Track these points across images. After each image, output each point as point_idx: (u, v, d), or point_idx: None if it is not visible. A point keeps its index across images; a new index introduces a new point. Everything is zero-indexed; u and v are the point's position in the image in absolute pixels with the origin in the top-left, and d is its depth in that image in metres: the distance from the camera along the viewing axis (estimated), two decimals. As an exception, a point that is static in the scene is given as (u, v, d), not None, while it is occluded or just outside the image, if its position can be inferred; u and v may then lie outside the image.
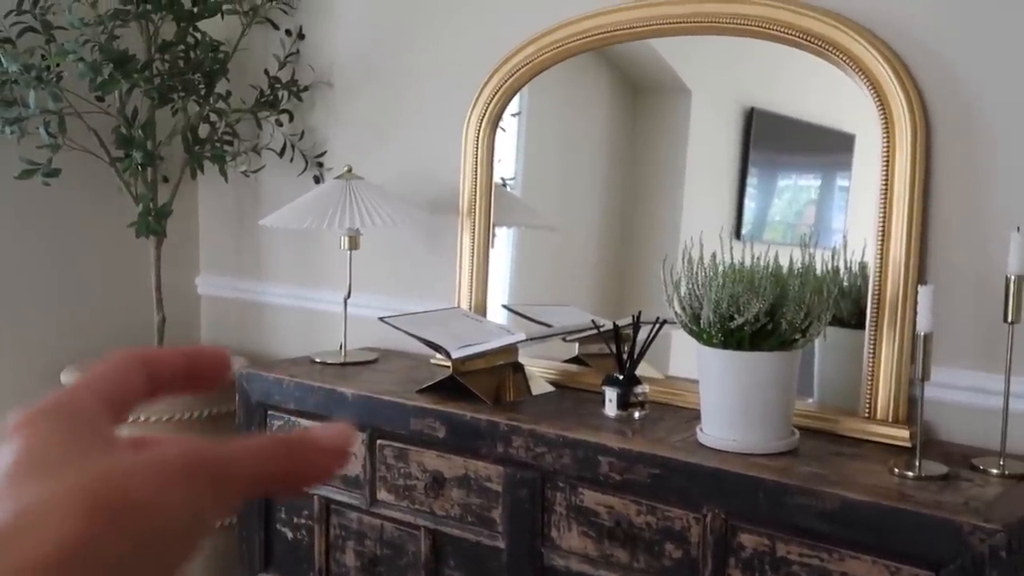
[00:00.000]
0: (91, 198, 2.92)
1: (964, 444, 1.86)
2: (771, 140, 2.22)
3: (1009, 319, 1.71)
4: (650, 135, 2.42)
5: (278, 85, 2.83)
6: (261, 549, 2.43)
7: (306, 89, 2.84)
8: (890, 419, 1.88)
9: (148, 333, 2.84)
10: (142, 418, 2.61)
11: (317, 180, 2.82)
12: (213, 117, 2.82)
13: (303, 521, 2.35)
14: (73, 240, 2.95)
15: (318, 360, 2.51)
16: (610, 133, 2.51)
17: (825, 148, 2.15)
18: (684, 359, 2.19)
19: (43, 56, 2.61)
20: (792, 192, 2.24)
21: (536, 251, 2.66)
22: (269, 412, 2.39)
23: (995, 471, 1.70)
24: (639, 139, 2.43)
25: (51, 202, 2.83)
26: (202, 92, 2.76)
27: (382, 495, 2.19)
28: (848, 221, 2.08)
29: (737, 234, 2.16)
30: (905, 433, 1.84)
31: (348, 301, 2.54)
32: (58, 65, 2.61)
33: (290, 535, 2.38)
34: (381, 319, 2.27)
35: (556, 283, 2.59)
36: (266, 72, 2.84)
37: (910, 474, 1.67)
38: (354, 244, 2.52)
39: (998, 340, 1.76)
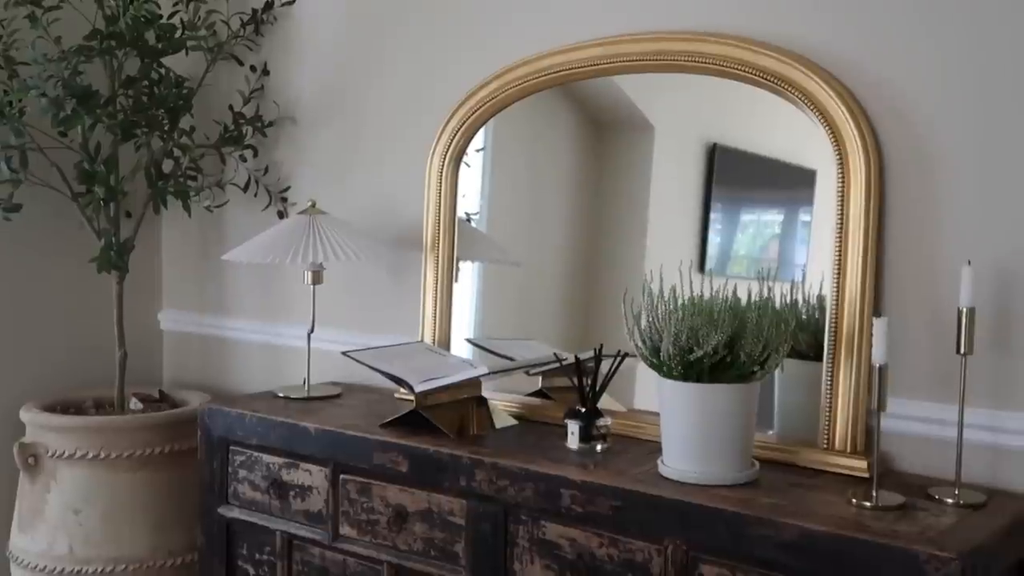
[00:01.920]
0: (53, 233, 2.90)
1: (920, 474, 1.89)
2: (734, 176, 2.25)
3: (962, 351, 1.74)
4: (614, 171, 2.44)
5: (242, 121, 2.84)
6: (222, 586, 2.41)
7: (270, 125, 2.85)
8: (848, 450, 1.90)
9: (110, 369, 2.82)
10: (102, 454, 2.59)
11: (281, 215, 2.82)
12: (177, 152, 2.82)
13: (265, 557, 2.33)
14: (34, 275, 2.93)
15: (281, 395, 2.50)
16: (574, 169, 2.54)
17: (787, 183, 2.18)
18: (647, 392, 2.21)
19: (5, 91, 2.61)
20: (756, 227, 2.27)
21: (500, 285, 2.68)
22: (231, 447, 2.38)
23: (950, 500, 1.72)
24: (603, 175, 2.46)
25: (12, 237, 2.81)
26: (166, 128, 2.77)
27: (345, 530, 2.18)
28: (810, 255, 2.11)
29: (701, 268, 2.18)
30: (863, 464, 1.87)
31: (311, 336, 2.54)
32: (20, 100, 2.60)
33: (252, 571, 2.36)
34: (344, 353, 2.27)
35: (520, 317, 2.60)
36: (230, 108, 2.85)
37: (868, 504, 1.69)
38: (318, 279, 2.52)
39: (952, 371, 1.79)
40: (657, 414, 1.90)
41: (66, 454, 2.60)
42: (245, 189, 2.87)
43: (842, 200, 1.93)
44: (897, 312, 1.90)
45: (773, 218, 2.25)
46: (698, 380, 1.79)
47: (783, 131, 2.12)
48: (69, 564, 2.58)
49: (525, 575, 1.91)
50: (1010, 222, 1.82)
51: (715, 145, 2.24)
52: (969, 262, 1.75)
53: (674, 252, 2.17)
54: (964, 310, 1.74)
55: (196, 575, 2.50)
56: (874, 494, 1.70)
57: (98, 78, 2.70)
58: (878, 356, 1.72)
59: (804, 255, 2.12)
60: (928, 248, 1.90)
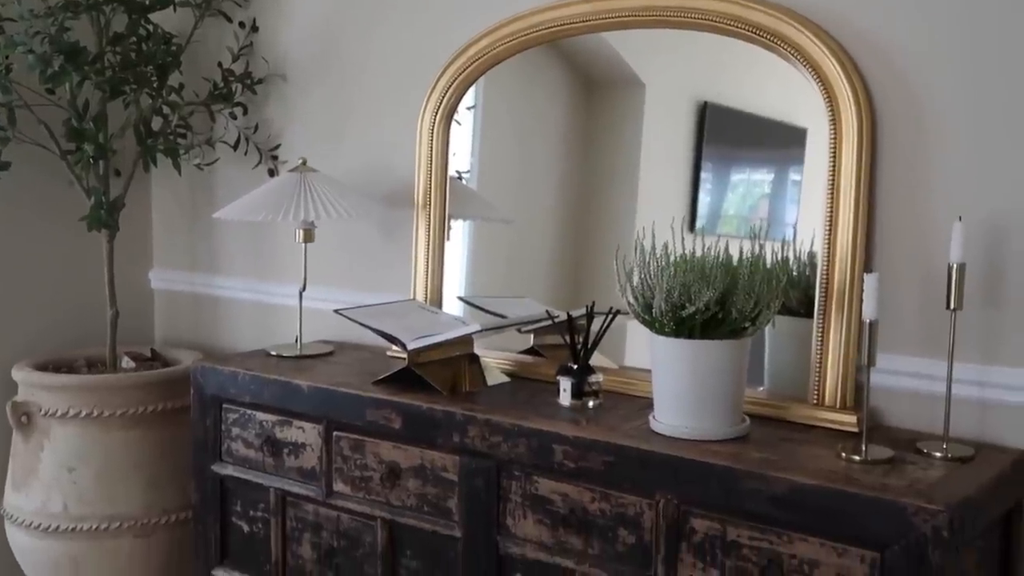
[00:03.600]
0: (42, 192, 2.89)
1: (909, 428, 1.91)
2: (724, 134, 2.24)
3: (951, 306, 1.75)
4: (605, 128, 2.44)
5: (232, 78, 2.82)
6: (217, 542, 2.42)
7: (260, 82, 2.83)
8: (838, 405, 1.92)
9: (101, 328, 2.82)
10: (95, 412, 2.59)
11: (272, 173, 2.81)
12: (166, 110, 2.80)
13: (259, 514, 2.35)
14: (24, 234, 2.91)
15: (274, 353, 2.51)
16: (565, 126, 2.53)
17: (778, 142, 2.18)
18: (638, 350, 2.22)
19: (-8, 48, 2.58)
20: (746, 186, 2.27)
21: (492, 243, 2.68)
22: (224, 405, 2.39)
23: (939, 454, 1.74)
24: (594, 132, 2.45)
25: (1, 195, 2.80)
26: (154, 85, 2.75)
27: (338, 486, 2.19)
28: (800, 215, 2.11)
29: (691, 227, 2.19)
30: (852, 419, 1.88)
31: (303, 294, 2.54)
32: (7, 57, 2.58)
33: (246, 528, 2.38)
34: (336, 311, 2.27)
35: (512, 275, 2.60)
36: (219, 65, 2.83)
37: (857, 458, 1.70)
38: (309, 237, 2.51)
39: (941, 327, 1.80)
40: (648, 371, 1.92)
41: (59, 413, 2.60)
42: (235, 147, 2.86)
43: (834, 155, 1.93)
44: (888, 268, 1.90)
45: (763, 177, 2.25)
46: (690, 336, 1.80)
47: (775, 89, 2.12)
48: (64, 522, 2.60)
49: (518, 530, 1.93)
50: (1001, 178, 1.82)
51: (706, 103, 2.24)
52: (960, 218, 1.75)
53: (665, 211, 2.18)
54: (954, 266, 1.74)
55: (191, 532, 2.52)
56: (863, 448, 1.71)
57: (85, 34, 2.67)
58: (868, 312, 1.73)
59: (794, 214, 2.13)
60: (919, 204, 1.90)
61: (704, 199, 2.23)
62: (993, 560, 1.74)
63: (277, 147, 2.84)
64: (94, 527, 2.60)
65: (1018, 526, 1.79)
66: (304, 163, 2.52)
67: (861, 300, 1.79)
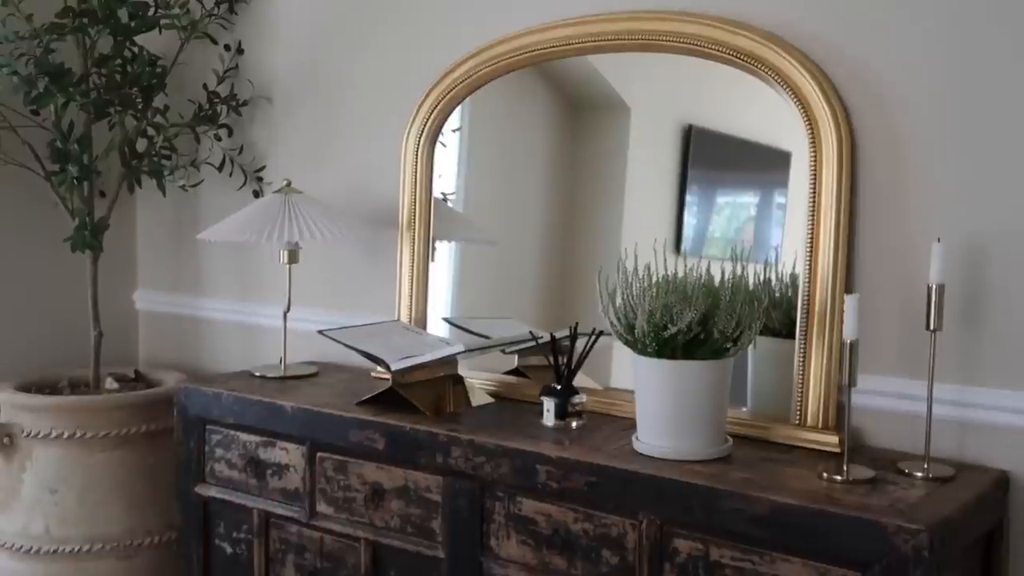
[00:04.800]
0: (26, 212, 2.89)
1: (890, 448, 1.92)
2: (709, 157, 2.26)
3: (931, 327, 1.77)
4: (590, 151, 2.45)
5: (217, 100, 2.83)
6: (200, 564, 2.41)
7: (245, 104, 2.84)
8: (820, 425, 1.93)
9: (84, 349, 2.81)
10: (78, 434, 2.58)
11: (256, 195, 2.82)
12: (151, 131, 2.81)
13: (242, 535, 2.34)
14: (7, 255, 2.91)
15: (257, 374, 2.50)
16: (550, 149, 2.54)
17: (763, 166, 2.19)
18: (623, 371, 2.23)
19: (-24, 70, 2.58)
20: (731, 209, 2.28)
21: (477, 265, 2.68)
22: (208, 426, 2.38)
23: (919, 474, 1.75)
24: (579, 155, 2.47)
25: (-15, 217, 2.80)
26: (139, 106, 2.75)
27: (322, 507, 2.19)
28: (784, 237, 2.12)
29: (677, 249, 2.20)
30: (834, 439, 1.89)
31: (288, 315, 2.54)
32: (-8, 78, 2.58)
33: (229, 550, 2.37)
34: (321, 332, 2.28)
35: (497, 296, 2.61)
36: (204, 87, 2.84)
37: (838, 478, 1.71)
38: (293, 258, 2.52)
39: (922, 347, 1.82)
40: (632, 392, 1.92)
41: (41, 434, 2.59)
42: (220, 168, 2.86)
43: (814, 178, 1.95)
44: (868, 289, 1.92)
45: (749, 200, 2.26)
46: (672, 357, 1.81)
47: (759, 113, 2.13)
48: (46, 544, 2.58)
49: (502, 550, 1.93)
50: (980, 200, 1.84)
51: (691, 127, 2.25)
52: (939, 239, 1.77)
53: (650, 233, 2.18)
54: (934, 287, 1.76)
55: (174, 554, 2.51)
56: (845, 468, 1.72)
57: (71, 56, 2.68)
58: (849, 332, 1.74)
59: (779, 237, 2.14)
60: (899, 226, 1.92)
61: (690, 221, 2.24)
62: (974, 579, 1.75)
63: (262, 168, 2.84)
64: (76, 549, 2.58)
65: (999, 545, 1.80)
66: (289, 185, 2.53)
67: (842, 321, 1.81)
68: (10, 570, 2.64)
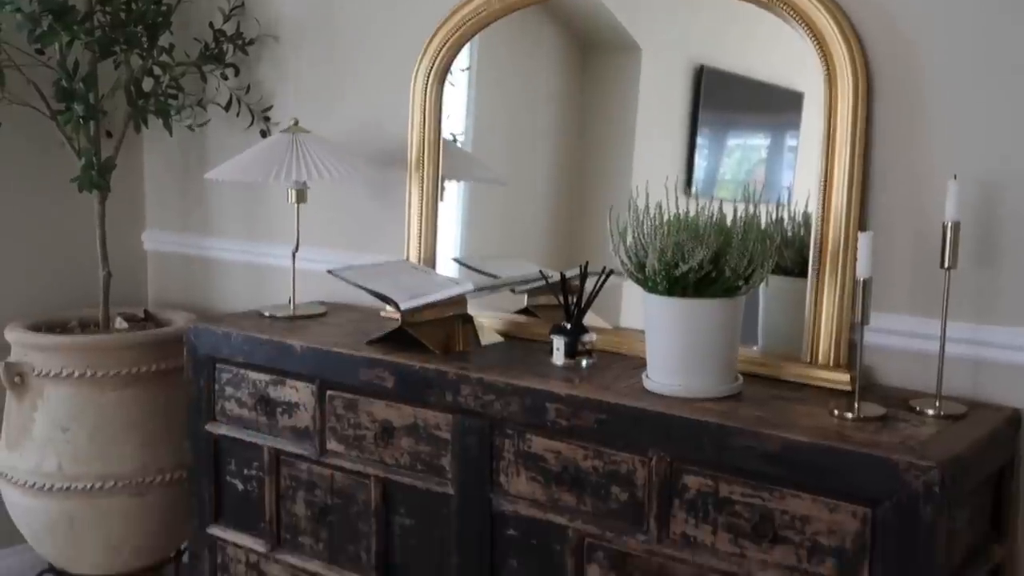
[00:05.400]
0: (32, 153, 2.87)
1: (902, 387, 1.91)
2: (721, 98, 2.23)
3: (946, 265, 1.75)
4: (600, 91, 2.42)
5: (223, 38, 2.79)
6: (212, 501, 2.43)
7: (252, 43, 2.81)
8: (831, 364, 1.92)
9: (93, 289, 2.81)
10: (88, 373, 2.59)
11: (264, 134, 2.79)
12: (157, 71, 2.78)
13: (253, 473, 2.35)
14: (15, 195, 2.90)
15: (267, 314, 2.50)
16: (560, 88, 2.51)
17: (775, 107, 2.16)
18: (634, 310, 2.22)
19: (-21, 7, 2.55)
20: (742, 151, 2.26)
21: (486, 205, 2.67)
22: (218, 365, 2.39)
23: (931, 412, 1.74)
24: (590, 95, 2.44)
25: (-9, 156, 2.79)
26: (145, 45, 2.72)
27: (332, 445, 2.19)
28: (796, 180, 2.10)
29: (687, 191, 2.18)
30: (845, 377, 1.89)
31: (296, 255, 2.53)
32: (-5, 16, 2.56)
33: (240, 487, 2.38)
34: (329, 272, 2.27)
35: (506, 236, 2.60)
36: (211, 25, 2.80)
37: (849, 416, 1.71)
38: (301, 198, 2.50)
39: (936, 285, 1.80)
40: (642, 331, 1.91)
41: (52, 373, 2.60)
42: (227, 108, 2.84)
43: (829, 115, 1.92)
44: (882, 227, 1.90)
45: (760, 143, 2.24)
46: (683, 295, 1.80)
47: (773, 53, 2.10)
48: (58, 481, 2.60)
49: (511, 487, 1.94)
50: (997, 136, 1.81)
51: (703, 67, 2.22)
52: (955, 176, 1.75)
53: (661, 174, 2.16)
54: (949, 224, 1.74)
55: (186, 491, 2.52)
56: (856, 406, 1.72)
57: (75, -7, 2.65)
58: (862, 270, 1.72)
59: (790, 179, 2.11)
60: (915, 163, 1.89)
61: (700, 163, 2.22)
62: (985, 516, 1.75)
63: (269, 108, 2.82)
64: (89, 486, 2.60)
65: (1010, 482, 1.80)
66: (296, 124, 2.50)
67: (855, 259, 1.79)
68: (24, 507, 2.67)
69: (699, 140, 2.23)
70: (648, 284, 1.83)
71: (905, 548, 1.52)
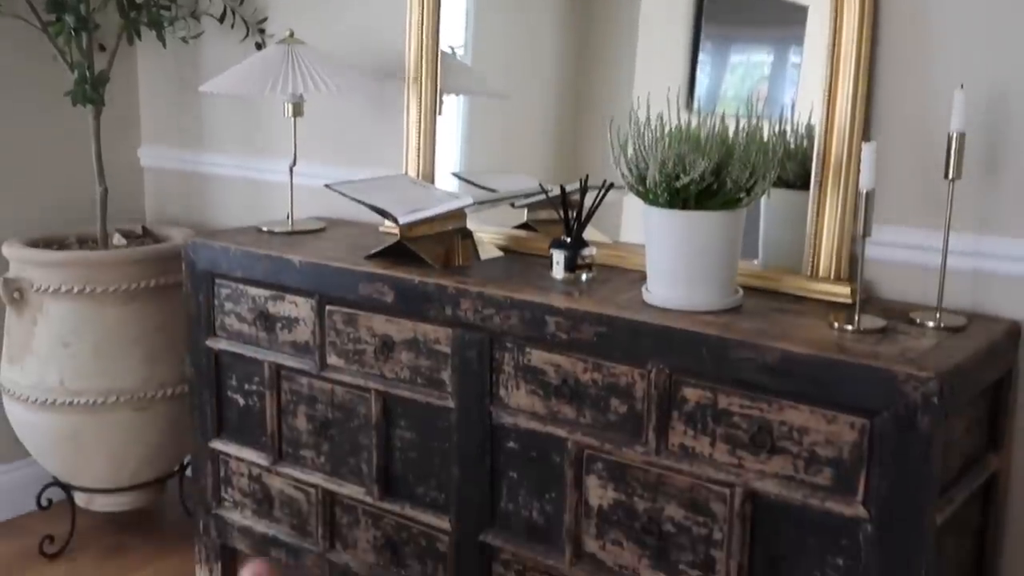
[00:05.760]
0: (25, 67, 2.83)
1: (903, 300, 1.91)
2: (724, 11, 2.18)
3: (950, 176, 1.73)
4: (602, 4, 2.37)
5: (216, -54, 2.73)
6: (214, 415, 2.44)
7: (245, -49, 2.75)
8: (832, 277, 1.91)
9: (91, 206, 2.79)
10: (88, 289, 2.59)
11: (259, 47, 2.75)
12: (148, -20, 2.72)
13: (254, 388, 2.36)
14: (7, 110, 2.86)
15: (265, 229, 2.49)
16: (561, 1, 2.46)
17: (778, 22, 2.12)
18: (634, 225, 2.20)
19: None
20: (745, 68, 2.21)
21: (486, 119, 2.63)
22: (217, 281, 2.38)
23: (931, 324, 1.74)
24: (591, 8, 2.39)
25: (-17, 70, 2.74)
26: (136, -47, 2.66)
27: (332, 360, 2.20)
28: (798, 96, 2.06)
29: (689, 107, 2.14)
30: (846, 290, 1.88)
31: (294, 170, 2.51)
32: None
33: (242, 401, 2.40)
34: (327, 186, 2.25)
35: (506, 151, 2.57)
36: (203, -67, 2.74)
37: (849, 328, 1.70)
38: (298, 111, 2.47)
39: (939, 197, 1.79)
40: (643, 245, 1.90)
41: (51, 289, 2.59)
42: (221, 20, 2.78)
43: (835, 23, 1.88)
44: (886, 138, 1.88)
45: (763, 59, 2.20)
46: (684, 207, 1.79)
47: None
48: (61, 396, 2.62)
49: (511, 400, 1.94)
50: (1004, 46, 1.78)
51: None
52: (962, 86, 1.72)
53: (662, 88, 2.13)
54: (954, 135, 1.72)
55: (188, 406, 2.54)
56: (856, 318, 1.71)
57: (63, -101, 2.58)
58: (865, 182, 1.70)
59: (793, 95, 2.08)
60: (920, 72, 1.86)
61: (702, 80, 2.18)
62: (982, 427, 1.76)
63: (264, 20, 2.77)
64: (91, 401, 2.61)
65: (1008, 394, 1.80)
66: (291, 35, 2.46)
67: (858, 171, 1.77)
68: (27, 421, 2.69)
69: (701, 56, 2.19)
70: (649, 197, 1.82)
71: (902, 458, 1.53)
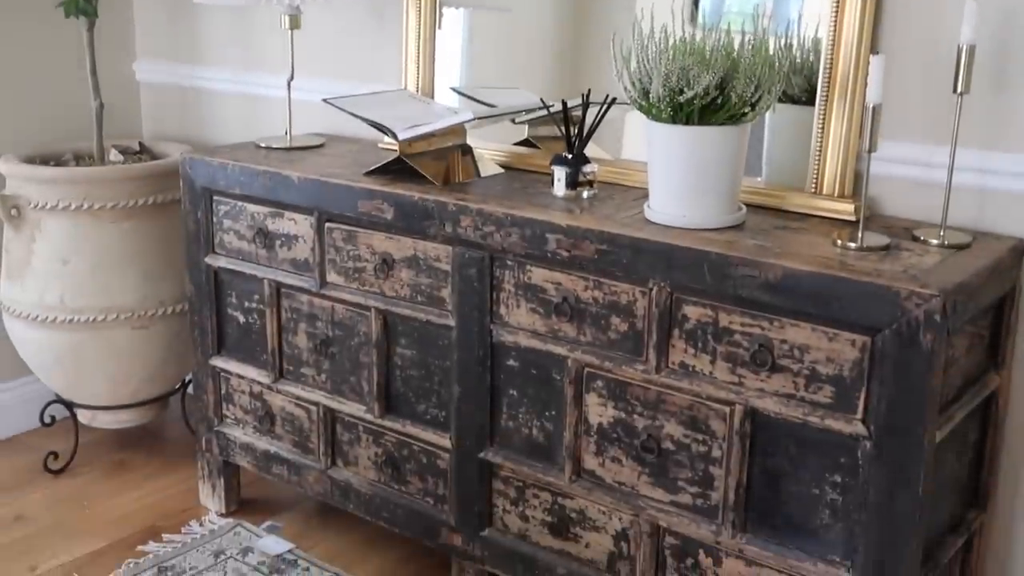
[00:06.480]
0: (15, -23, 2.77)
1: (906, 218, 1.89)
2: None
3: (959, 90, 1.70)
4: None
5: None
6: (214, 333, 2.44)
7: None
8: (836, 194, 1.89)
9: (87, 122, 2.76)
10: (86, 205, 2.57)
11: (255, -43, 2.68)
12: None
13: (254, 305, 2.36)
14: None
15: (263, 145, 2.46)
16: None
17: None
18: (636, 142, 2.17)
19: None
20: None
21: (486, 32, 2.58)
22: (215, 198, 2.36)
23: (935, 242, 1.72)
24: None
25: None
26: None
27: (332, 277, 2.19)
28: (804, 10, 2.01)
29: (693, 21, 2.09)
30: (850, 207, 1.86)
31: (291, 85, 2.47)
32: None
33: (242, 319, 2.39)
34: (325, 101, 2.21)
35: (507, 65, 2.52)
36: None
37: (852, 245, 1.69)
38: (295, 23, 2.42)
39: (946, 112, 1.75)
40: (644, 163, 1.88)
41: (48, 205, 2.57)
42: (216, -71, 2.71)
43: (845, -69, 1.83)
44: (894, 52, 1.83)
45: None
46: (687, 122, 1.76)
47: None
48: (61, 313, 2.61)
49: (511, 318, 1.94)
50: (1019, -45, 1.73)
51: None
52: (973, -3, 1.68)
53: (666, 2, 2.08)
54: (964, 47, 1.68)
55: (189, 324, 2.54)
56: (860, 235, 1.70)
57: None
58: (872, 96, 1.67)
59: (798, 11, 2.03)
60: (931, -16, 1.82)
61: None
62: (983, 344, 1.75)
63: (260, -71, 2.70)
64: (91, 318, 2.61)
65: (1010, 311, 1.79)
66: (288, -55, 2.40)
67: (865, 85, 1.74)
68: (28, 339, 2.69)
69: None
70: (652, 111, 1.79)
71: (903, 376, 1.53)
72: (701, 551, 1.80)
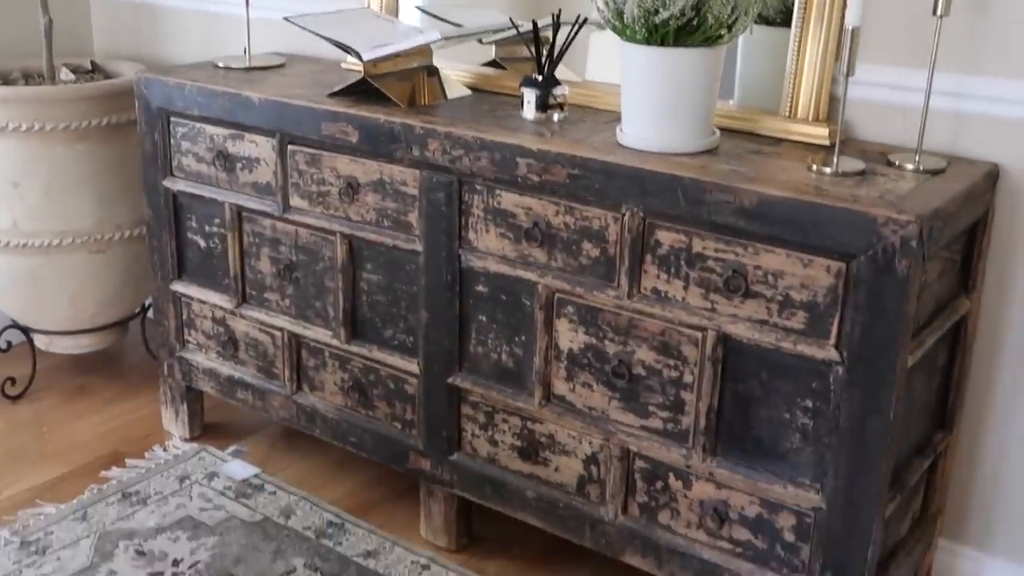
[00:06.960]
0: None
1: (882, 142, 1.87)
2: None
3: (938, 12, 1.67)
4: None
5: None
6: (174, 258, 2.39)
7: None
8: (811, 118, 1.87)
9: (35, 38, 2.65)
10: (36, 126, 2.48)
11: None
12: None
13: (215, 230, 2.30)
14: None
15: (221, 65, 2.38)
16: None
17: None
18: (601, 63, 2.13)
19: None
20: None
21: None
22: (172, 119, 2.29)
23: (911, 167, 1.71)
24: None
25: None
26: None
27: (295, 201, 2.14)
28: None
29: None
30: (825, 131, 1.84)
31: (250, 2, 2.38)
32: None
33: (202, 243, 2.34)
34: (286, 19, 2.14)
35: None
36: None
37: (827, 170, 1.67)
38: (254, -64, 2.33)
39: (924, 35, 1.73)
40: (615, 85, 1.84)
41: (-3, 126, 2.49)
42: None
43: None
44: (872, -28, 1.80)
45: None
46: (662, 44, 1.72)
47: None
48: (14, 238, 2.54)
49: (480, 243, 1.91)
50: None
51: None
52: (954, -85, 1.64)
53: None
54: (944, -32, 1.65)
55: (146, 248, 2.48)
56: (835, 160, 1.68)
57: None
58: (852, 18, 1.64)
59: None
60: (911, -98, 1.78)
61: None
62: (954, 269, 1.76)
63: None
64: (46, 243, 2.54)
65: (983, 236, 1.79)
66: None
67: (843, 6, 1.70)
68: (-19, 264, 2.62)
69: None
70: (626, 33, 1.74)
71: (877, 302, 1.52)
72: (671, 474, 1.81)
